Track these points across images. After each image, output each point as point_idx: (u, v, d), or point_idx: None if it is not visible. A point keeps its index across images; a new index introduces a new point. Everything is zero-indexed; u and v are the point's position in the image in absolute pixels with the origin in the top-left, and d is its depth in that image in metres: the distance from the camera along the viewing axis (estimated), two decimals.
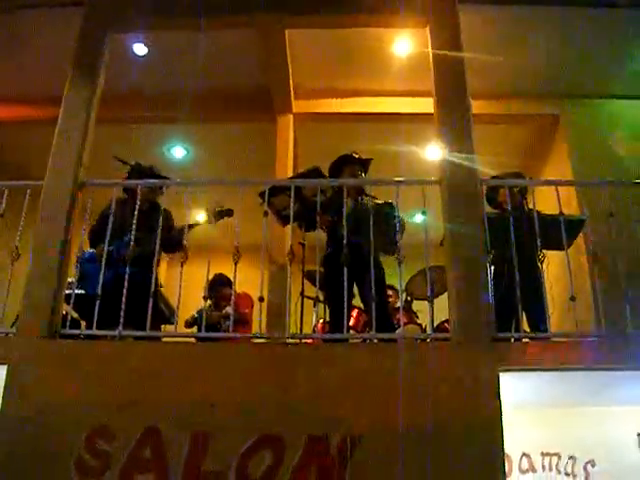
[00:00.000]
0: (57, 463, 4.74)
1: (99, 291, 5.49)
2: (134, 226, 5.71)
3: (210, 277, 6.07)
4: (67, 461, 4.71)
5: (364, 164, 6.62)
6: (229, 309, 7.44)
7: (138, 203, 5.83)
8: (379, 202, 6.20)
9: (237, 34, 7.50)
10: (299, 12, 6.87)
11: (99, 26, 6.72)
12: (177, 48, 7.82)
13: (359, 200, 6.32)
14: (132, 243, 5.69)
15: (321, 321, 6.80)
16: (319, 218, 5.83)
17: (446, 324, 6.67)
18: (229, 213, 6.28)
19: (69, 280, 5.81)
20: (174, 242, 6.10)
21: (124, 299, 5.38)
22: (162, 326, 6.46)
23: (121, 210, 6.03)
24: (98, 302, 5.43)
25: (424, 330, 7.20)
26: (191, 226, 6.22)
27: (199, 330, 6.21)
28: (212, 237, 5.78)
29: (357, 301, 6.29)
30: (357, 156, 6.62)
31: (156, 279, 5.90)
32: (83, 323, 5.88)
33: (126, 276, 5.49)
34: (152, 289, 5.57)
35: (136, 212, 5.78)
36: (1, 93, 8.70)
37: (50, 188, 5.83)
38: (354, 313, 6.91)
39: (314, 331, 6.74)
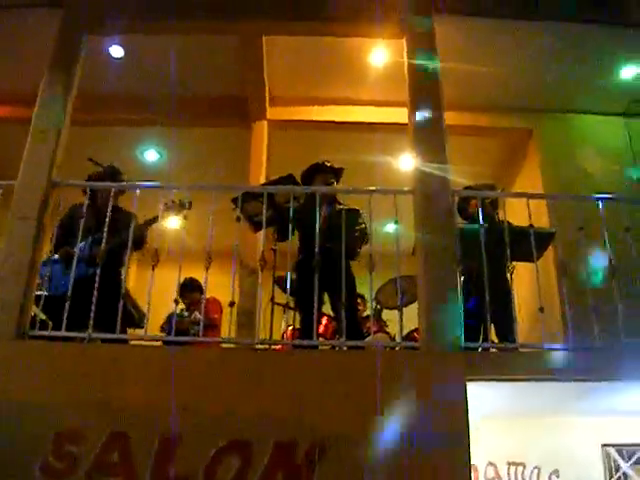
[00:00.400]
0: (24, 465, 4.69)
1: (69, 293, 5.47)
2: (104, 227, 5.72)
3: (180, 281, 6.06)
4: (33, 465, 4.68)
5: (336, 173, 6.65)
6: (198, 314, 7.46)
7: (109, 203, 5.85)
8: (347, 208, 6.25)
9: (214, 39, 7.51)
10: (277, 18, 6.90)
11: (76, 28, 6.71)
12: (154, 51, 7.81)
13: (333, 207, 6.34)
14: (102, 243, 5.70)
15: (290, 328, 6.82)
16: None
17: (415, 333, 6.72)
18: (188, 206, 6.24)
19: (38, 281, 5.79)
20: (135, 240, 6.05)
21: (93, 300, 5.36)
22: (131, 329, 6.44)
23: (80, 213, 5.99)
24: (67, 304, 5.41)
25: (393, 339, 7.24)
26: (150, 221, 6.19)
27: (169, 333, 6.19)
28: (183, 241, 5.75)
29: (328, 309, 6.32)
30: (329, 164, 6.64)
31: (123, 281, 5.89)
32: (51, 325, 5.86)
33: (97, 277, 5.48)
34: (120, 290, 5.57)
35: (108, 214, 5.78)
36: None
37: (23, 187, 5.80)
38: (323, 320, 6.92)
39: (283, 337, 6.76)
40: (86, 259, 5.87)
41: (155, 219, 6.19)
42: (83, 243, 5.98)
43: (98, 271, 5.52)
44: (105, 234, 5.73)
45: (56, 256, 6.02)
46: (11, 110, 8.65)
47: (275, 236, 6.53)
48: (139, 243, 6.18)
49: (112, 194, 6.03)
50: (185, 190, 6.18)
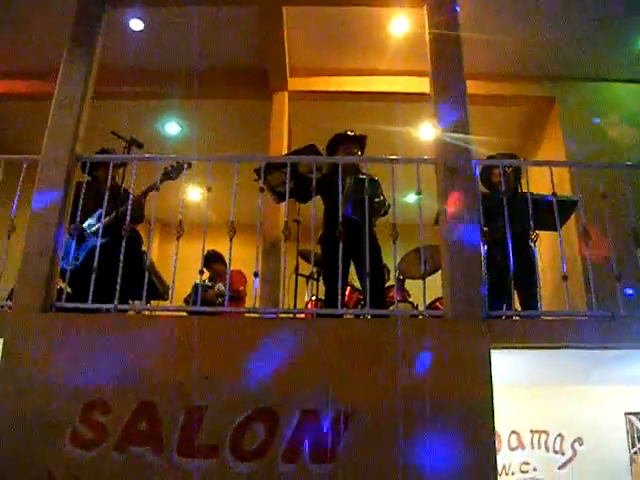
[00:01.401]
0: (53, 436, 4.76)
1: (95, 266, 5.52)
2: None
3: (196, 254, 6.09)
4: (63, 434, 4.75)
5: (359, 141, 6.65)
6: (222, 286, 7.50)
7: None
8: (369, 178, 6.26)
9: (234, 10, 7.50)
10: None
11: (96, 1, 6.69)
12: (173, 24, 7.81)
13: (353, 177, 6.35)
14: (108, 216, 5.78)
15: (313, 298, 6.85)
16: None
17: (437, 303, 6.73)
18: (188, 166, 6.27)
19: None
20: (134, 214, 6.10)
21: (119, 272, 5.42)
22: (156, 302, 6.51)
23: (86, 193, 6.02)
24: (93, 276, 5.46)
25: (416, 308, 7.26)
26: (149, 189, 6.22)
27: (194, 304, 6.24)
28: (205, 213, 5.77)
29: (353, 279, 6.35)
30: (352, 134, 6.65)
31: (143, 253, 5.95)
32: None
33: (122, 250, 5.51)
34: (141, 261, 5.64)
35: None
36: None
37: (47, 162, 5.83)
38: (346, 291, 6.94)
39: (306, 308, 6.79)
40: (95, 232, 5.93)
41: (152, 188, 6.19)
42: (93, 218, 6.05)
43: (123, 244, 5.56)
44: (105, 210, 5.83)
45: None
46: (32, 85, 8.70)
47: (295, 200, 6.55)
48: (138, 216, 6.23)
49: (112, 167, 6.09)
50: (206, 162, 6.17)
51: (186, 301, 7.55)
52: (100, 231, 5.83)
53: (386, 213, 6.26)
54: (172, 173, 6.26)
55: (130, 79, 8.50)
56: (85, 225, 6.17)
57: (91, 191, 6.09)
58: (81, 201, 5.84)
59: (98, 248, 5.61)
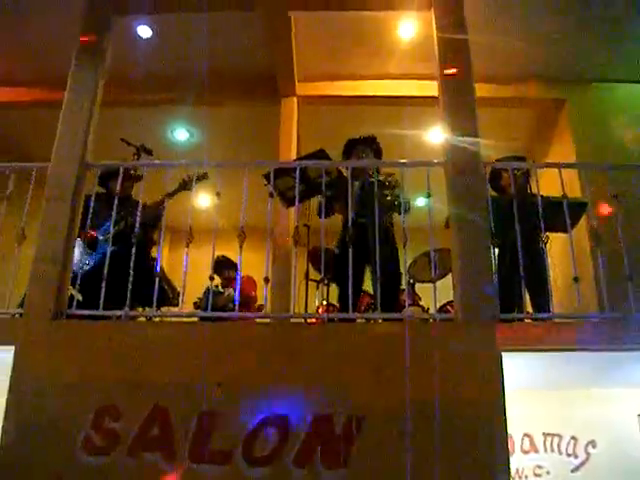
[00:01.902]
0: (65, 443, 4.78)
1: (105, 272, 5.54)
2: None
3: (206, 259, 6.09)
4: (75, 440, 4.76)
5: (371, 143, 6.66)
6: (232, 291, 7.52)
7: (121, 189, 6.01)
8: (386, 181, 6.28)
9: (241, 16, 7.50)
10: None
11: (103, 8, 6.73)
12: (181, 30, 7.82)
13: (366, 180, 6.34)
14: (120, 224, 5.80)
15: (324, 303, 6.84)
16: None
17: (448, 306, 6.72)
18: (204, 176, 6.28)
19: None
20: (151, 216, 6.12)
21: (130, 279, 5.44)
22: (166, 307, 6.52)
23: (97, 203, 6.05)
24: (103, 283, 5.48)
25: (426, 312, 7.25)
26: (169, 195, 6.24)
27: (205, 309, 6.24)
28: (215, 218, 5.77)
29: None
30: (361, 137, 6.66)
31: (153, 259, 5.97)
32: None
33: (132, 257, 5.53)
34: (152, 268, 5.65)
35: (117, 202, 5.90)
36: (6, 76, 8.72)
37: (56, 169, 5.86)
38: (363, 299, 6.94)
39: (317, 313, 6.79)
40: (107, 240, 5.95)
41: (172, 194, 6.23)
42: (106, 225, 6.08)
43: (133, 250, 5.57)
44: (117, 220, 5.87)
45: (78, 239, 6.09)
46: (41, 93, 8.71)
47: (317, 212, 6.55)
48: (154, 223, 6.27)
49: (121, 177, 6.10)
50: (216, 167, 6.18)
51: (196, 304, 7.57)
52: (110, 238, 5.85)
53: (406, 210, 6.20)
54: (188, 184, 6.28)
55: (138, 86, 8.50)
56: (97, 233, 6.20)
57: (104, 201, 6.12)
58: (94, 209, 5.88)
59: (108, 255, 5.63)
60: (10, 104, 8.97)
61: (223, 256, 7.49)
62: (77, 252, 6.01)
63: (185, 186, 6.31)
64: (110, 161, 6.32)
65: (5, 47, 8.20)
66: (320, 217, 6.16)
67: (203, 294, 7.67)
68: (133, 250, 5.54)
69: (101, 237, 6.17)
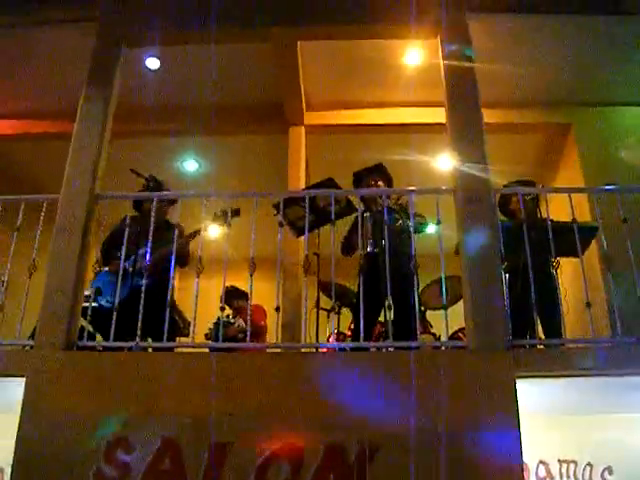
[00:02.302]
0: (77, 476, 4.75)
1: (116, 304, 5.53)
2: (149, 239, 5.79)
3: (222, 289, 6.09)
4: (87, 473, 4.74)
5: (379, 172, 6.66)
6: (242, 322, 7.51)
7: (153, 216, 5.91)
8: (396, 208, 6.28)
9: (249, 47, 7.54)
10: (311, 23, 6.91)
11: (112, 41, 6.78)
12: (188, 61, 7.86)
13: (377, 211, 6.34)
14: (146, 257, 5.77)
15: (335, 332, 6.82)
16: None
17: (460, 333, 6.69)
18: (237, 212, 6.26)
19: (85, 293, 5.86)
20: (179, 255, 6.10)
21: (141, 311, 5.43)
22: (177, 338, 6.51)
23: (132, 227, 6.08)
24: (114, 314, 5.47)
25: (438, 339, 7.22)
26: (194, 234, 6.23)
27: (216, 340, 6.22)
28: (225, 249, 5.76)
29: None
30: (366, 168, 6.68)
31: (170, 291, 5.95)
32: (98, 336, 5.94)
33: (142, 289, 5.53)
34: (168, 300, 5.62)
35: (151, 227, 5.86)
36: (15, 108, 8.81)
37: (66, 201, 5.88)
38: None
39: (328, 342, 6.76)
40: (136, 272, 5.93)
41: (197, 232, 6.24)
42: (132, 257, 6.06)
43: (144, 282, 5.57)
44: (150, 248, 5.81)
45: (106, 269, 6.09)
46: (51, 125, 8.78)
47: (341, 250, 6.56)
48: (182, 258, 6.24)
49: (154, 206, 6.04)
50: (226, 198, 6.20)
51: (207, 335, 7.56)
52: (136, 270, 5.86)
53: (422, 225, 6.19)
54: (222, 218, 6.25)
55: (147, 117, 8.54)
56: (126, 263, 6.15)
57: (137, 226, 6.10)
58: (127, 235, 5.89)
59: (118, 288, 5.62)
60: (20, 136, 9.04)
61: (232, 286, 7.48)
62: (104, 283, 5.99)
63: (222, 219, 6.25)
64: (120, 192, 6.34)
65: (15, 79, 8.28)
66: (345, 254, 6.20)
67: (213, 325, 7.67)
68: (144, 280, 5.54)
69: (130, 269, 6.11)
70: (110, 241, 6.22)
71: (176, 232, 5.97)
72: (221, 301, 5.94)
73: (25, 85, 8.38)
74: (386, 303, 5.49)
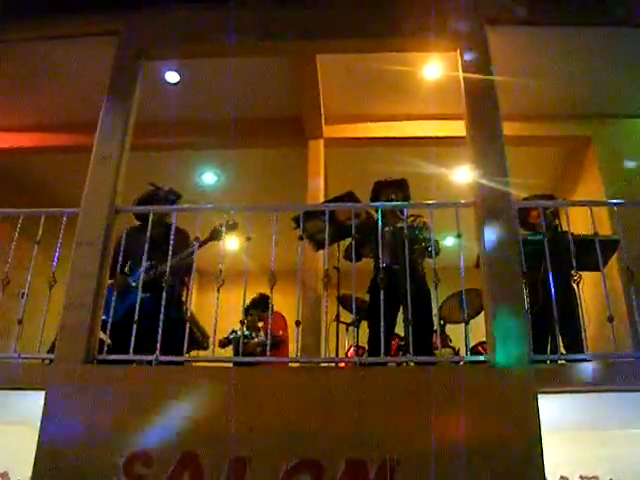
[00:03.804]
0: None
1: (135, 317, 5.53)
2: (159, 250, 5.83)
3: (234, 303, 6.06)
4: None
5: (400, 186, 6.63)
6: (262, 335, 7.51)
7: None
8: (415, 225, 6.25)
9: (268, 60, 7.57)
10: (330, 37, 6.90)
11: (132, 55, 6.80)
12: (209, 75, 7.90)
13: (395, 225, 6.32)
14: (154, 269, 5.81)
15: (354, 345, 6.80)
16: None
17: (479, 347, 6.65)
18: (234, 226, 6.24)
19: None
20: (183, 265, 6.09)
21: (160, 324, 5.42)
22: (196, 351, 6.50)
23: (136, 237, 6.08)
24: (134, 328, 5.47)
25: (457, 353, 7.18)
26: (201, 244, 6.21)
27: (236, 354, 6.21)
28: (243, 264, 5.75)
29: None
30: (390, 179, 6.65)
31: (183, 304, 5.95)
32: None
33: (163, 302, 5.52)
34: (182, 313, 5.63)
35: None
36: (35, 121, 8.88)
37: (86, 214, 5.90)
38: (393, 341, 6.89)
39: (346, 356, 6.74)
40: (142, 285, 5.92)
41: (204, 242, 6.20)
42: (140, 269, 6.06)
43: (163, 294, 5.57)
44: (158, 258, 5.82)
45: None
46: (71, 138, 8.84)
47: (344, 255, 6.53)
48: (186, 269, 6.22)
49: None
50: (245, 211, 6.20)
51: (221, 342, 7.56)
52: (140, 284, 5.84)
53: (437, 253, 6.17)
54: (217, 235, 6.25)
55: (166, 130, 8.59)
56: (130, 278, 6.19)
57: (142, 236, 6.08)
58: (131, 248, 5.92)
59: (138, 302, 5.61)
60: (40, 149, 9.10)
61: (262, 294, 7.42)
62: (109, 297, 5.99)
63: (214, 236, 6.25)
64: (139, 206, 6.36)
65: (36, 92, 8.34)
66: (348, 260, 6.15)
67: (229, 334, 7.68)
68: (164, 294, 5.54)
69: (133, 283, 6.13)
70: (115, 255, 6.18)
71: (182, 238, 5.99)
72: (243, 314, 5.93)
73: (45, 98, 8.45)
74: (408, 318, 5.45)
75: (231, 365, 5.95)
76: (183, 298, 6.44)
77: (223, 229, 6.16)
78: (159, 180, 6.80)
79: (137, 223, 6.57)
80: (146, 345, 5.41)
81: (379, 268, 5.80)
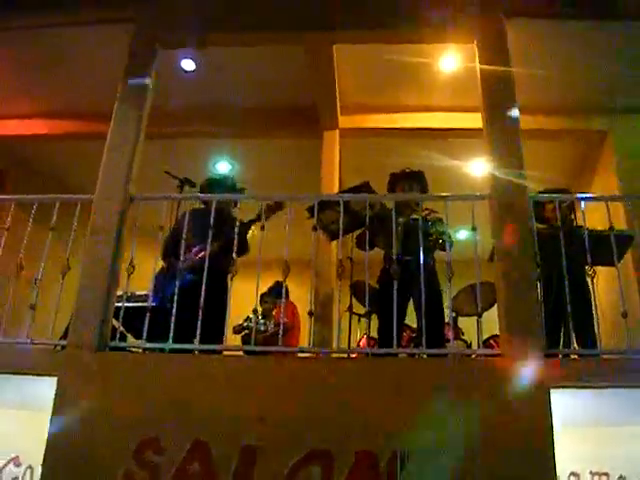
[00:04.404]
0: (106, 475, 4.76)
1: (152, 303, 5.53)
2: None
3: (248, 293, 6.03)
4: (116, 473, 4.73)
5: (416, 178, 6.60)
6: (272, 325, 7.53)
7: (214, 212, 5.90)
8: (429, 218, 6.22)
9: (284, 50, 7.53)
10: (347, 27, 6.87)
11: (148, 42, 6.78)
12: (224, 63, 7.88)
13: (409, 217, 6.30)
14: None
15: (365, 336, 6.79)
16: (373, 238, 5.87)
17: (491, 341, 6.63)
18: (279, 206, 6.20)
19: (144, 292, 5.85)
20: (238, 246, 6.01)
21: (200, 311, 5.39)
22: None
23: (195, 221, 6.04)
24: (147, 314, 5.46)
25: (469, 346, 7.16)
26: (249, 223, 6.15)
27: (248, 343, 6.21)
28: (259, 251, 5.74)
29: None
30: (408, 170, 6.62)
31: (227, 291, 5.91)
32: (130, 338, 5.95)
33: (203, 286, 5.48)
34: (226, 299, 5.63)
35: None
36: (50, 108, 8.89)
37: (100, 202, 5.90)
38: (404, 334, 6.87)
39: (358, 346, 6.73)
40: (191, 268, 5.91)
41: (253, 221, 6.16)
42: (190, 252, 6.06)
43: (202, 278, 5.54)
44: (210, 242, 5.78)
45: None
46: (85, 125, 8.85)
47: (355, 244, 6.50)
48: (242, 248, 6.11)
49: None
50: (259, 201, 6.18)
51: (235, 329, 7.58)
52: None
53: (450, 246, 6.14)
54: (271, 210, 6.20)
55: (181, 118, 8.59)
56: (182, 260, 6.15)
57: (200, 218, 6.06)
58: (189, 229, 5.89)
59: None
60: (54, 136, 9.14)
61: (278, 282, 7.35)
62: (158, 281, 5.97)
63: (259, 219, 6.16)
64: (154, 193, 6.34)
65: (51, 79, 8.36)
66: (361, 249, 6.14)
67: (244, 321, 7.68)
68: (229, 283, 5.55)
69: (182, 266, 6.02)
70: (172, 236, 6.17)
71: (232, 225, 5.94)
72: (256, 303, 5.93)
73: (60, 85, 8.45)
74: (422, 310, 5.44)
75: (242, 353, 5.96)
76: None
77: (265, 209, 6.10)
78: (173, 169, 6.80)
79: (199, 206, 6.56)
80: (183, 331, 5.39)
81: (389, 259, 5.78)
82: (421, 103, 8.58)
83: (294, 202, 6.00)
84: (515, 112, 6.11)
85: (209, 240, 5.74)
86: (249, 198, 6.44)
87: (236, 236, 5.70)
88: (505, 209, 5.62)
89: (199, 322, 5.34)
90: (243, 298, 5.85)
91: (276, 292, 7.54)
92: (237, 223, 5.90)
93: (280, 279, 5.58)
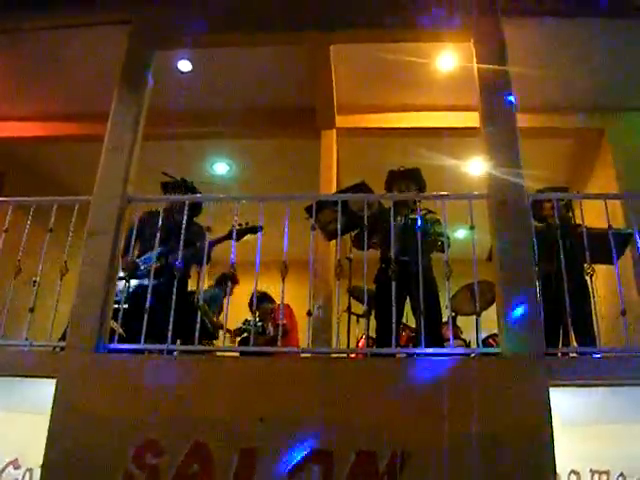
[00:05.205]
0: (105, 477, 4.74)
1: (147, 304, 5.52)
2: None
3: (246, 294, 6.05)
4: (115, 475, 4.72)
5: (413, 176, 6.60)
6: (270, 328, 7.53)
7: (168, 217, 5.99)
8: (427, 218, 6.22)
9: (281, 50, 7.54)
10: (344, 27, 6.87)
11: (145, 44, 6.79)
12: (221, 64, 7.89)
13: (407, 216, 6.30)
14: (167, 256, 5.79)
15: (363, 336, 6.78)
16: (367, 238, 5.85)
17: (490, 340, 6.63)
18: (253, 230, 6.21)
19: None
20: (200, 257, 6.01)
21: (171, 313, 5.41)
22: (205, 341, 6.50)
23: (154, 224, 6.04)
24: (145, 316, 5.46)
25: (468, 345, 7.16)
26: (216, 241, 6.18)
27: (248, 344, 6.21)
28: (254, 254, 5.73)
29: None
30: (403, 169, 6.61)
31: (191, 293, 5.93)
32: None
33: (174, 289, 5.51)
34: (192, 303, 5.62)
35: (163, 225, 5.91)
36: (48, 110, 8.88)
37: (98, 203, 5.89)
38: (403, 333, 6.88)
39: (357, 346, 6.73)
40: (151, 271, 5.91)
41: (224, 238, 6.18)
42: (149, 254, 6.06)
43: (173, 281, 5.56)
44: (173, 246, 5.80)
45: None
46: (82, 127, 8.83)
47: (353, 243, 6.50)
48: (199, 259, 6.13)
49: (187, 208, 6.01)
50: (257, 201, 6.16)
51: (235, 332, 7.57)
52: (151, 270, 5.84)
53: (438, 249, 6.15)
54: (243, 233, 6.21)
55: (179, 119, 8.58)
56: (139, 260, 6.18)
57: (156, 222, 6.05)
58: (148, 231, 5.91)
59: (150, 289, 5.60)
60: (51, 138, 9.13)
61: (260, 292, 7.41)
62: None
63: (230, 236, 6.16)
64: (151, 194, 6.34)
65: (47, 81, 8.35)
66: (358, 248, 6.13)
67: (242, 324, 7.67)
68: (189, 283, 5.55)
69: (142, 267, 6.10)
70: (131, 236, 6.17)
71: (197, 232, 5.97)
72: (252, 305, 5.93)
73: (56, 87, 8.44)
74: (421, 309, 5.44)
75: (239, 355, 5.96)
76: (190, 288, 6.42)
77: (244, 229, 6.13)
78: (171, 169, 6.80)
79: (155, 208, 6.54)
80: (157, 334, 5.41)
81: (386, 259, 5.78)
82: (419, 102, 8.58)
83: (292, 202, 5.98)
84: (512, 111, 6.11)
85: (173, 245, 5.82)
86: (247, 199, 6.39)
87: (206, 247, 5.80)
88: (504, 207, 5.62)
89: (170, 324, 5.36)
90: (243, 298, 5.85)
91: (261, 300, 7.55)
92: (204, 231, 5.95)
93: (276, 281, 5.56)
